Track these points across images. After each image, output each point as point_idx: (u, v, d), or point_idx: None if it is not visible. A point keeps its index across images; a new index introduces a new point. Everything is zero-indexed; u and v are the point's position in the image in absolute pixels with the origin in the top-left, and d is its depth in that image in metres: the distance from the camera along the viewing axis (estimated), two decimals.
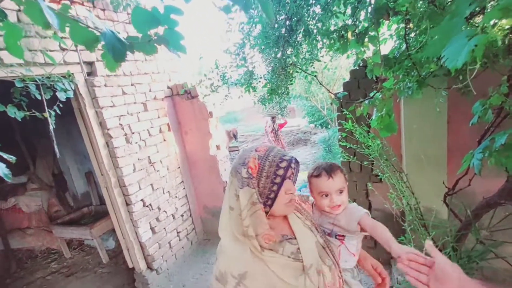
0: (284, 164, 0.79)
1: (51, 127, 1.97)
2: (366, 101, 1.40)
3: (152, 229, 2.75)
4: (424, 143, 2.01)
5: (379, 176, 2.00)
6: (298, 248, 0.83)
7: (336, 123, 2.30)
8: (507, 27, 1.07)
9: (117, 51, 0.50)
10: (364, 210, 0.98)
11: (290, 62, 1.62)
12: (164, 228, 2.90)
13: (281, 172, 0.79)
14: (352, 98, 2.36)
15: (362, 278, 1.06)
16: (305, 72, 1.77)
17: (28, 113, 1.84)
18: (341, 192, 0.98)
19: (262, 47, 1.54)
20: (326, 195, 0.98)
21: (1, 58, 1.70)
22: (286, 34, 1.49)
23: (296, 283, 0.79)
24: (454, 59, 0.61)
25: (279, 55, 1.57)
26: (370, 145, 1.95)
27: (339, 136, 2.23)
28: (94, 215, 4.00)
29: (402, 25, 1.51)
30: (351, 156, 2.16)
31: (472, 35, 0.61)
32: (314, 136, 9.95)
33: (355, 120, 2.02)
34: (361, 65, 2.07)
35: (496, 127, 1.44)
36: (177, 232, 3.09)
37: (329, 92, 1.95)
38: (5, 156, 0.95)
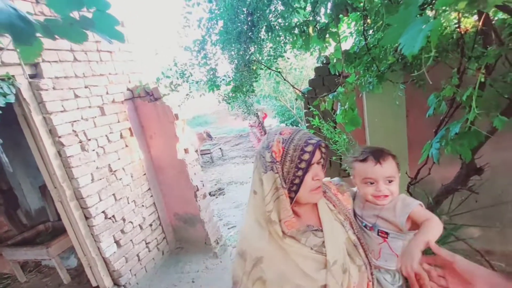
0: (309, 148, 0.73)
1: None
2: (330, 96, 1.40)
3: (116, 242, 2.55)
4: (387, 136, 2.09)
5: (347, 170, 2.04)
6: (324, 242, 0.78)
7: (305, 121, 2.32)
8: (455, 21, 1.12)
9: (19, 31, 0.40)
10: (417, 201, 0.84)
11: (254, 59, 1.58)
12: (131, 240, 2.71)
13: (306, 156, 0.73)
14: (317, 95, 2.39)
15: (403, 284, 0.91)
16: (269, 69, 1.75)
17: None
18: (390, 181, 0.86)
19: (224, 43, 1.49)
20: (372, 183, 0.87)
21: None
22: (248, 30, 1.45)
23: (316, 277, 0.74)
24: (410, 46, 0.60)
25: (241, 52, 1.53)
26: (337, 140, 1.98)
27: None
28: (51, 232, 3.63)
29: (361, 21, 1.54)
30: None
31: (426, 22, 0.61)
32: None
33: (322, 116, 2.04)
34: (324, 62, 2.09)
35: (450, 118, 1.53)
36: (146, 243, 2.90)
37: (294, 87, 1.95)
38: None
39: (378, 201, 0.87)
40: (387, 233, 0.85)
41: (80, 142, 2.31)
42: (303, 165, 0.73)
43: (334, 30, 1.44)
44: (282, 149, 0.75)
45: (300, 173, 0.74)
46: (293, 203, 0.78)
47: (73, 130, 2.25)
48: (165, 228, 3.18)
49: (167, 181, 3.14)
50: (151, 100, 2.85)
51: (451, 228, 2.00)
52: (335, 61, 1.45)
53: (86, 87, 2.40)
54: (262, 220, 0.78)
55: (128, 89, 2.85)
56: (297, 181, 0.75)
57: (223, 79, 1.80)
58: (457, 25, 1.13)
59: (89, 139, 2.38)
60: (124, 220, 2.64)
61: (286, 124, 9.40)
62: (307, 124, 2.39)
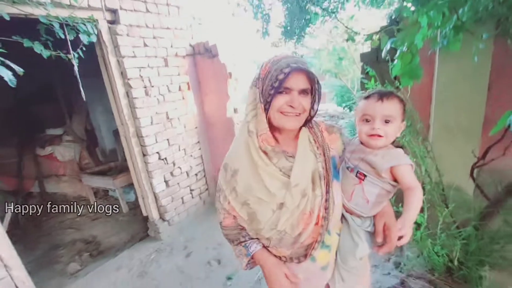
0: (286, 70, 0.76)
1: (76, 68, 2.05)
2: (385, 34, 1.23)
3: (166, 182, 2.85)
4: (458, 109, 1.80)
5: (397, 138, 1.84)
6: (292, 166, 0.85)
7: (360, 86, 2.14)
8: None
9: None
10: (409, 161, 0.83)
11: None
12: (178, 184, 3.00)
13: (281, 77, 0.77)
14: (380, 59, 2.15)
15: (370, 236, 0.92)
16: (323, 10, 1.62)
17: (54, 52, 1.91)
18: (387, 121, 0.83)
19: None
20: (368, 121, 0.85)
21: None
22: None
23: (277, 194, 0.84)
24: None
25: None
26: None
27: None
28: (119, 169, 4.24)
29: None
30: None
31: None
32: (341, 121, 9.48)
33: (380, 80, 1.85)
34: (393, 17, 1.85)
35: None
36: (191, 190, 3.18)
37: (347, 28, 1.77)
38: (13, 66, 0.99)
39: (372, 140, 0.85)
40: (365, 176, 0.86)
41: (145, 87, 2.57)
42: (276, 84, 0.77)
43: None
44: (268, 68, 0.81)
45: (272, 91, 0.78)
46: (273, 128, 0.85)
47: (140, 75, 2.52)
48: (209, 181, 3.42)
49: (216, 138, 3.32)
50: (209, 57, 2.97)
51: None
52: (403, 4, 1.26)
53: (154, 37, 2.62)
54: (243, 132, 0.88)
55: (190, 45, 3.02)
56: (269, 99, 0.80)
57: (276, 26, 1.74)
58: None
59: (152, 86, 2.63)
60: (174, 164, 2.91)
61: (344, 108, 8.81)
62: (362, 91, 2.20)
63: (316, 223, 0.86)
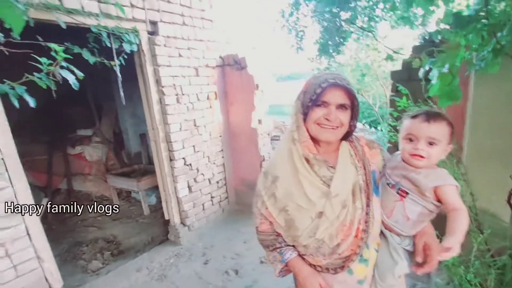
0: (324, 85, 0.81)
1: (118, 74, 2.19)
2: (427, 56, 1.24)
3: (189, 187, 2.92)
4: (494, 132, 1.74)
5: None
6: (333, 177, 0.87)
7: (389, 105, 2.13)
8: None
9: None
10: (455, 182, 0.82)
11: (345, 18, 1.52)
12: (200, 190, 3.06)
13: (318, 90, 0.81)
14: (411, 78, 2.15)
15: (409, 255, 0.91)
16: (360, 28, 1.66)
17: (99, 59, 2.07)
18: (431, 144, 0.83)
19: (318, 3, 1.48)
20: (411, 140, 0.85)
21: (83, 6, 1.94)
22: None
23: (316, 202, 0.86)
24: None
25: (335, 12, 1.49)
26: None
27: (389, 116, 2.06)
28: (143, 172, 4.39)
29: None
30: None
31: None
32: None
33: (412, 98, 1.85)
34: (427, 38, 1.86)
35: None
36: (211, 197, 3.23)
37: (386, 47, 1.79)
38: (76, 70, 1.09)
39: (413, 160, 0.85)
40: (406, 193, 0.86)
41: (177, 95, 2.69)
42: (314, 97, 0.82)
43: None
44: (309, 83, 0.87)
45: (310, 104, 0.84)
46: (313, 140, 0.88)
47: (173, 84, 2.64)
48: (229, 189, 3.46)
49: (239, 147, 3.37)
50: (238, 69, 3.07)
51: None
52: (441, 27, 1.28)
53: (188, 48, 2.76)
54: (287, 140, 0.92)
55: (220, 57, 3.14)
56: (307, 110, 0.85)
57: (312, 41, 1.80)
58: None
59: (183, 94, 2.75)
60: (198, 170, 2.99)
61: (364, 124, 8.68)
62: (392, 109, 2.19)
63: (356, 236, 0.86)
